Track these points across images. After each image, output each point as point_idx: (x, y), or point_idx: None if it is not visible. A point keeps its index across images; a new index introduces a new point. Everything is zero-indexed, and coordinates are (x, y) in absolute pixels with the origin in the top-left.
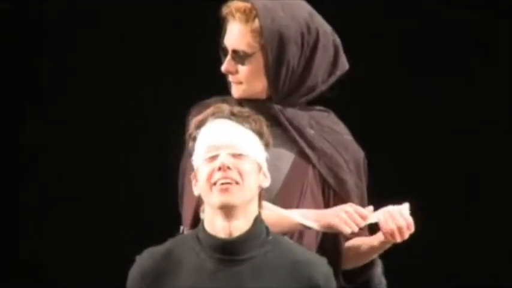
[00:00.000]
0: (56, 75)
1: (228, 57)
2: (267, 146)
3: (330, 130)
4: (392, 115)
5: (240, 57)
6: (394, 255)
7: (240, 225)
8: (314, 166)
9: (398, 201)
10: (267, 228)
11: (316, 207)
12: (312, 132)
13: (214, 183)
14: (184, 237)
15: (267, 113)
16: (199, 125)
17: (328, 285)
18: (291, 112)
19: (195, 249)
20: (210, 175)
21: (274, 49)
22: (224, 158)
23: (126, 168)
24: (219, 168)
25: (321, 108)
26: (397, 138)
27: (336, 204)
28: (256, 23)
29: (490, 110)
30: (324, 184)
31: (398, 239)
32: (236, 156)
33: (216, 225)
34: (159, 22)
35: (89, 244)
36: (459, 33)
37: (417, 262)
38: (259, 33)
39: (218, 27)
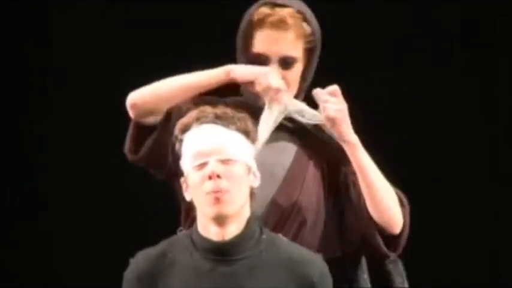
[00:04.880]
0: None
1: (276, 64)
2: (254, 142)
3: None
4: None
5: (287, 64)
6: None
7: (233, 230)
8: (316, 159)
9: None
10: (260, 227)
11: (317, 199)
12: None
13: (206, 193)
14: (178, 238)
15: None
16: (185, 129)
17: (323, 282)
18: None
19: (189, 250)
20: (201, 183)
21: (318, 52)
22: (213, 166)
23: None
24: (209, 177)
25: None
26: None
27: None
28: (304, 27)
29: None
30: (324, 174)
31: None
32: (225, 162)
33: (209, 230)
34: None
35: (89, 245)
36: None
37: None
38: (305, 37)
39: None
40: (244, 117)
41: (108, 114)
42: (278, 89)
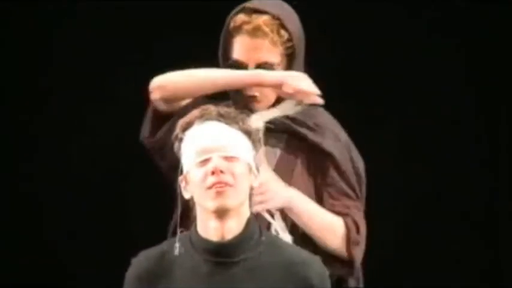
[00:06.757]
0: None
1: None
2: (254, 143)
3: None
4: None
5: (264, 70)
6: None
7: (232, 227)
8: (304, 158)
9: None
10: (260, 228)
11: (310, 195)
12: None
13: (209, 187)
14: (179, 238)
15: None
16: (186, 127)
17: (323, 284)
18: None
19: (189, 251)
20: (203, 179)
21: (300, 56)
22: (217, 162)
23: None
24: (212, 173)
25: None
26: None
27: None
28: (282, 33)
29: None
30: (312, 173)
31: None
32: (228, 158)
33: (208, 227)
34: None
35: (89, 245)
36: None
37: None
38: (283, 43)
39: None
40: (246, 118)
41: (106, 114)
42: (307, 91)
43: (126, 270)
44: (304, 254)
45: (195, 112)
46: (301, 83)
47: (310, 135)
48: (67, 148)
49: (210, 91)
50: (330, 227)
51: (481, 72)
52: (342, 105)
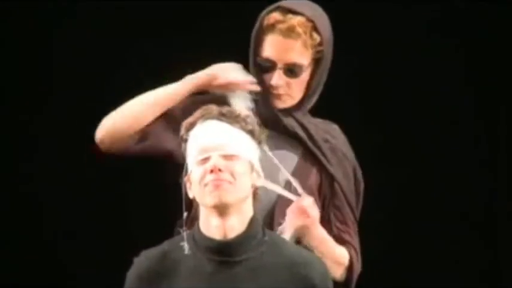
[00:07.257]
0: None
1: (279, 71)
2: (259, 143)
3: (332, 140)
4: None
5: (292, 71)
6: None
7: (234, 225)
8: (317, 171)
9: None
10: (263, 228)
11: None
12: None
13: (206, 185)
14: (181, 237)
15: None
16: (190, 127)
17: (324, 284)
18: (305, 120)
19: (191, 249)
20: (202, 177)
21: (328, 61)
22: (216, 160)
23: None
24: (211, 171)
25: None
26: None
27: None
28: (314, 36)
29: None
30: (321, 188)
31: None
32: (228, 157)
33: (211, 225)
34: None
35: (88, 245)
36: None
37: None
38: (314, 46)
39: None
40: (249, 117)
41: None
42: (239, 81)
43: (126, 270)
44: (306, 254)
45: (197, 112)
46: (233, 73)
47: (322, 159)
48: (67, 148)
49: (155, 115)
50: (337, 259)
51: (481, 72)
52: (340, 105)
